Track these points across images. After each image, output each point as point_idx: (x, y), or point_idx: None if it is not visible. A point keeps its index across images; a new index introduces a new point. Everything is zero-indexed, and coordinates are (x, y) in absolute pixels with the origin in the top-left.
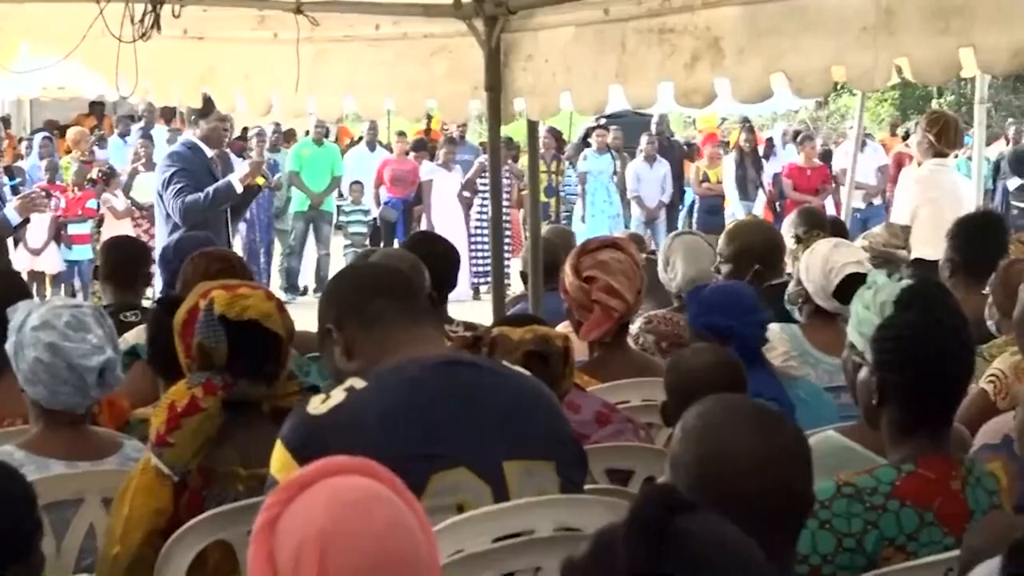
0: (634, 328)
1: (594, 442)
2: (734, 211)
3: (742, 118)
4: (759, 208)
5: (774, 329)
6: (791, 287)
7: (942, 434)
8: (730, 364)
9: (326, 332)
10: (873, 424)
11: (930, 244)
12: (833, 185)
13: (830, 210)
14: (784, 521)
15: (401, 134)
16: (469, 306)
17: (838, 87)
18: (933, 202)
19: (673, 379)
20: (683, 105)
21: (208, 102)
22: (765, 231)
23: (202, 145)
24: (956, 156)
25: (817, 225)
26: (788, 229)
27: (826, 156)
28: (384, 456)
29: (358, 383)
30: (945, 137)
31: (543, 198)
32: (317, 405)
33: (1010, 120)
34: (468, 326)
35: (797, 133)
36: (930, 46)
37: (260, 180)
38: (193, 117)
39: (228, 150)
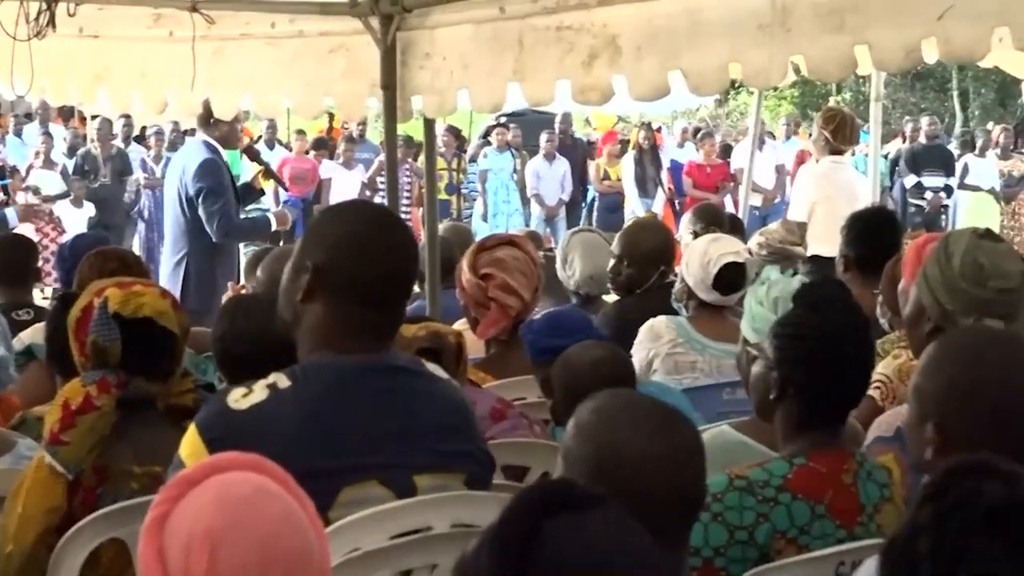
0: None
1: (489, 438)
2: (633, 208)
3: (640, 116)
4: (659, 206)
5: (660, 320)
6: (677, 285)
7: (836, 429)
8: (619, 360)
9: (303, 266)
10: (766, 418)
11: (826, 241)
12: (733, 183)
13: (729, 208)
14: (678, 515)
15: (301, 132)
16: None
17: (736, 85)
18: (830, 199)
19: (562, 375)
20: (580, 102)
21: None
22: (665, 232)
23: (219, 147)
24: (853, 153)
25: (714, 222)
26: (686, 226)
27: (727, 152)
28: (299, 464)
29: (282, 381)
30: (841, 134)
31: (444, 196)
32: (238, 398)
33: (907, 118)
34: None
35: (697, 131)
36: (825, 44)
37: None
38: (212, 120)
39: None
